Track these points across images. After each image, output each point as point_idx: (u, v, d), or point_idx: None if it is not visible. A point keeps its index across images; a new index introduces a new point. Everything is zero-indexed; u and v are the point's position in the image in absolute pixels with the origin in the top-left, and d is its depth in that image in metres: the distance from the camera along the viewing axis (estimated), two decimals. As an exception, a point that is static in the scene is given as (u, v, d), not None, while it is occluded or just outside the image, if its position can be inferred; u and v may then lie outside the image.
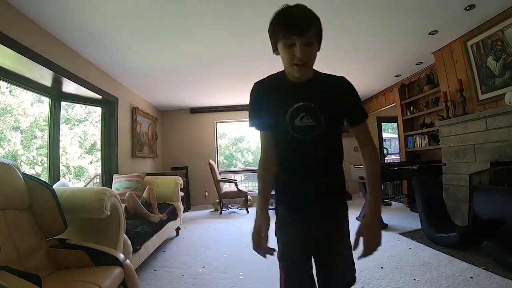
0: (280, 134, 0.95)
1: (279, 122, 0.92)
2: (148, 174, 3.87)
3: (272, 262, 2.44)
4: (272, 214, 1.01)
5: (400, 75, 4.40)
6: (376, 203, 0.92)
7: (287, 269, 0.98)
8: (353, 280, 0.96)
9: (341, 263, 0.96)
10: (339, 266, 0.96)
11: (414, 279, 1.93)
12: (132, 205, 2.66)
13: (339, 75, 0.95)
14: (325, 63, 3.58)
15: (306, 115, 0.89)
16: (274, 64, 3.97)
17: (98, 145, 4.12)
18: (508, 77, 2.57)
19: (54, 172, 2.97)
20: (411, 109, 4.57)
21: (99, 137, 3.90)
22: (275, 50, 0.90)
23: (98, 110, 3.82)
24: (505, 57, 2.57)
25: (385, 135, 7.26)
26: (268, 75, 0.99)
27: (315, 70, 0.94)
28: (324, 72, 0.96)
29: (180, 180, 3.69)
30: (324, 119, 0.89)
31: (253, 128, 0.99)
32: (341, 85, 0.94)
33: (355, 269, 0.98)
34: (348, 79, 0.95)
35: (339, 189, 1.00)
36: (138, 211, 2.66)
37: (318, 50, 0.89)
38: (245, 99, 5.47)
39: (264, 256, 0.98)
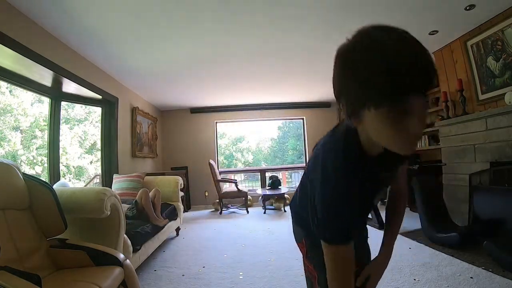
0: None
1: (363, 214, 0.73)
2: (148, 174, 3.87)
3: (272, 262, 2.45)
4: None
5: (400, 75, 4.40)
6: (392, 250, 0.90)
7: None
8: None
9: None
10: None
11: (414, 279, 1.93)
12: (144, 202, 2.70)
13: None
14: (325, 63, 3.60)
15: (384, 186, 0.75)
16: (275, 64, 3.95)
17: (98, 145, 4.12)
18: (508, 77, 2.57)
19: (54, 172, 2.97)
20: (411, 109, 4.56)
21: (99, 137, 3.90)
22: (354, 116, 0.55)
23: (98, 110, 3.82)
24: (505, 57, 2.57)
25: (385, 135, 7.22)
26: (340, 148, 0.64)
27: None
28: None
29: (180, 180, 3.69)
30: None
31: (331, 245, 0.65)
32: None
33: None
34: None
35: None
36: (147, 209, 2.68)
37: None
38: (245, 99, 5.51)
39: None
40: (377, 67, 0.47)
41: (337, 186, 0.61)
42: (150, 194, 2.87)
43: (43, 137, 4.93)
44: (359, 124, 0.57)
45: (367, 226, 0.99)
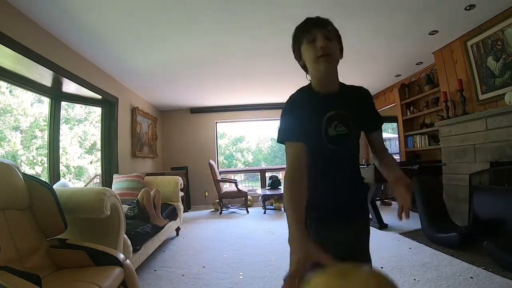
0: (314, 145, 0.91)
1: (314, 131, 0.91)
2: (148, 174, 3.87)
3: (272, 263, 2.44)
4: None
5: (400, 75, 4.40)
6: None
7: None
8: None
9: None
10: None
11: (414, 279, 1.93)
12: (145, 202, 2.71)
13: (359, 86, 1.03)
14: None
15: (339, 123, 0.91)
16: (275, 64, 3.95)
17: (98, 145, 4.12)
18: (508, 77, 2.57)
19: (54, 172, 2.97)
20: (411, 109, 4.57)
21: (99, 137, 3.90)
22: (300, 59, 0.98)
23: (98, 110, 3.82)
24: (505, 57, 2.57)
25: (385, 135, 7.26)
26: (297, 90, 1.00)
27: (340, 82, 0.98)
28: None
29: (180, 180, 3.69)
30: (354, 127, 0.93)
31: (286, 143, 0.90)
32: (364, 94, 1.02)
33: None
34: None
35: (365, 197, 1.09)
36: (148, 209, 2.69)
37: (341, 56, 0.97)
38: (245, 99, 5.51)
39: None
40: (297, 28, 0.94)
41: (287, 106, 0.95)
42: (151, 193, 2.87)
43: (43, 137, 4.93)
44: (304, 63, 0.97)
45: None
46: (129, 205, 2.79)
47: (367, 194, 0.85)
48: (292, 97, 0.97)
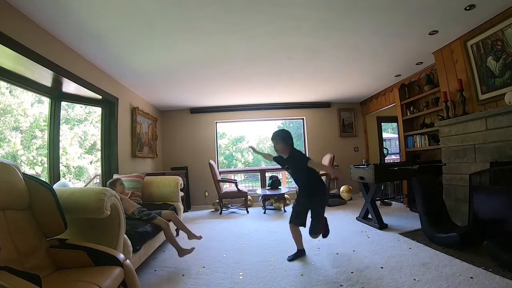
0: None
1: None
2: (148, 174, 3.87)
3: (272, 263, 2.44)
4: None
5: (400, 75, 4.40)
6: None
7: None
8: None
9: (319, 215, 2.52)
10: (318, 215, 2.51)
11: (414, 279, 1.93)
12: (168, 238, 2.53)
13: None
14: (325, 63, 3.60)
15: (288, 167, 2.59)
16: (275, 64, 3.95)
17: (98, 145, 4.11)
18: (508, 77, 2.58)
19: (54, 172, 2.97)
20: (411, 109, 4.57)
21: (99, 137, 3.90)
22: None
23: (98, 110, 3.82)
24: (505, 57, 2.57)
25: (385, 135, 7.25)
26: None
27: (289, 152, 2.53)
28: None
29: (180, 180, 3.68)
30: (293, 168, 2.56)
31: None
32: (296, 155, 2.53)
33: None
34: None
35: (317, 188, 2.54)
36: (174, 245, 2.53)
37: (288, 145, 2.51)
38: (245, 99, 5.52)
39: None
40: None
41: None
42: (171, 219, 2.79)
43: (43, 137, 4.93)
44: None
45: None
46: (140, 204, 2.73)
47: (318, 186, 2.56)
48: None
